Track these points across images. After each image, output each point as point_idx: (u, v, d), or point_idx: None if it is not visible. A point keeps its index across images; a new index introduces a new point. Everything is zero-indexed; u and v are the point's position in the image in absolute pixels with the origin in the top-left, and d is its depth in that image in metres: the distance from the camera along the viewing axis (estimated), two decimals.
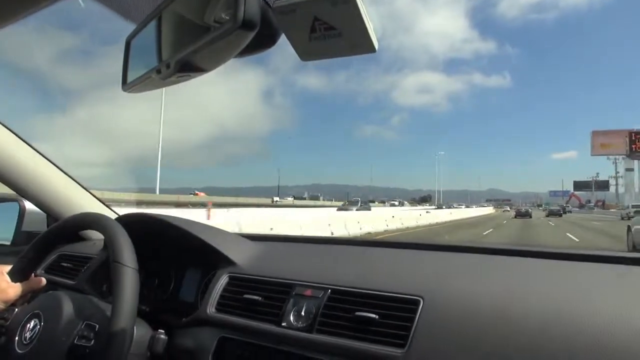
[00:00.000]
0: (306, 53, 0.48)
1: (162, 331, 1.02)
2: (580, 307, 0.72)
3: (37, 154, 1.58)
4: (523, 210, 49.40)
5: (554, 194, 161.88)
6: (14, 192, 1.65)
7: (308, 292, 0.96)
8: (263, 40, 0.48)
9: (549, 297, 0.77)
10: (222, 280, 1.11)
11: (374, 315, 0.85)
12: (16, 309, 1.08)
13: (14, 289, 1.11)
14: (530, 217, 43.82)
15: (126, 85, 0.58)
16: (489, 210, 69.71)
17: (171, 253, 1.30)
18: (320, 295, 0.94)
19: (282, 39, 0.49)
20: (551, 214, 53.14)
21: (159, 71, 0.50)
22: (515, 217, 44.71)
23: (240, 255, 1.17)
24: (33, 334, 0.98)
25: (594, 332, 0.66)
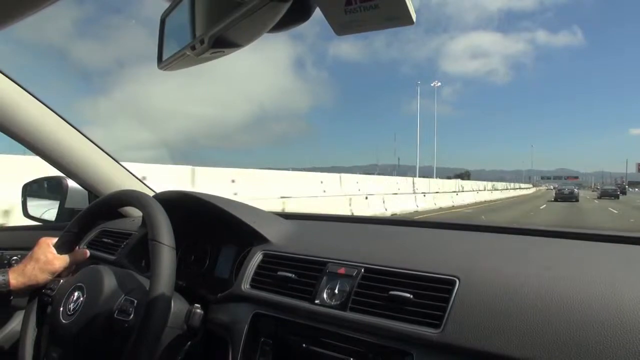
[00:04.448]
0: (342, 27, 0.47)
1: (199, 306, 1.05)
2: (629, 294, 0.69)
3: (80, 135, 1.64)
4: (566, 191, 39.68)
5: None
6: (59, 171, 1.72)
7: (342, 270, 0.96)
8: (296, 14, 0.47)
9: (593, 280, 0.74)
10: (257, 257, 1.12)
11: (408, 295, 0.84)
12: (61, 280, 1.14)
13: (60, 261, 1.16)
14: (577, 200, 36.10)
15: (162, 63, 0.58)
16: (497, 192, 42.46)
17: (207, 230, 1.33)
18: (353, 274, 0.94)
19: (316, 13, 0.48)
20: (605, 195, 45.98)
21: (193, 47, 0.50)
22: (556, 199, 36.86)
23: (274, 233, 1.18)
24: (76, 306, 1.02)
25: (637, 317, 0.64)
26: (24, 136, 1.50)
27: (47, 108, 1.53)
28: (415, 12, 0.44)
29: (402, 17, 0.44)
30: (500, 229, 1.13)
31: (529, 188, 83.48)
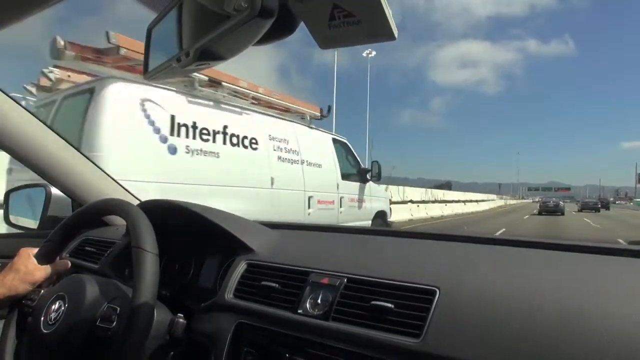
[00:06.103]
0: (326, 41, 0.48)
1: (182, 315, 1.04)
2: (606, 305, 0.70)
3: (63, 142, 1.62)
4: (551, 204, 38.00)
5: None
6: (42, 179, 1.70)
7: (325, 281, 0.97)
8: (281, 28, 0.48)
9: (572, 291, 0.76)
10: (241, 267, 1.12)
11: (390, 305, 0.85)
12: (42, 291, 1.12)
13: (41, 271, 1.15)
14: (562, 213, 34.83)
15: (148, 73, 0.59)
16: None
17: (191, 239, 1.32)
18: (336, 284, 0.95)
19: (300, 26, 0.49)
20: (585, 207, 45.93)
21: (178, 59, 0.51)
22: (540, 213, 35.22)
23: (258, 243, 1.19)
24: (57, 315, 1.01)
25: (618, 330, 0.65)
26: (5, 142, 1.49)
27: (29, 114, 1.52)
28: (397, 28, 0.46)
29: (383, 33, 0.46)
30: (482, 240, 1.14)
31: (489, 200, 58.32)
